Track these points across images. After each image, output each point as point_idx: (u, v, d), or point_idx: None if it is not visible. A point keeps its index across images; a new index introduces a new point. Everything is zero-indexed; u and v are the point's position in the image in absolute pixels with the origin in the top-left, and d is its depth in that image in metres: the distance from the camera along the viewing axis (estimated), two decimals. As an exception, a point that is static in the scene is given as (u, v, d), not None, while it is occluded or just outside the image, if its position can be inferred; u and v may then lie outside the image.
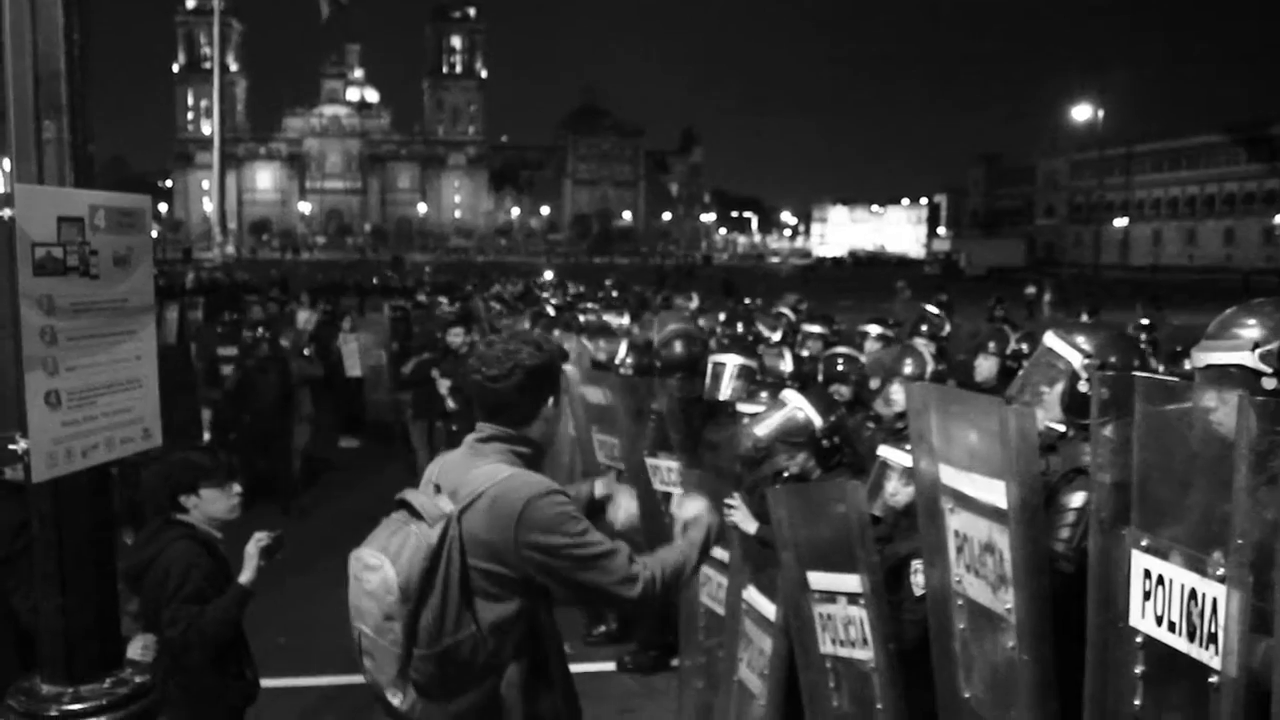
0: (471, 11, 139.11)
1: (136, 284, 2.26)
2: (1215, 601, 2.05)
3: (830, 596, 3.82)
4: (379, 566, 2.51)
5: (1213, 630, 2.06)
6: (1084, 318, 12.58)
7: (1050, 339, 3.32)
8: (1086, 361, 3.17)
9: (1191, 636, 2.12)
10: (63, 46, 2.10)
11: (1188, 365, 5.53)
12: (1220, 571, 2.03)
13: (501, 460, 2.67)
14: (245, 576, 3.68)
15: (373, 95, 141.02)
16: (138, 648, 3.44)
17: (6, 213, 1.95)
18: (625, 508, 3.22)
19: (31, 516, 2.15)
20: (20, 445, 1.97)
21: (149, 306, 2.30)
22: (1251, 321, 2.43)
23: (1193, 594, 2.12)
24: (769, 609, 4.26)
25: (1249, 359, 2.38)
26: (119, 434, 2.22)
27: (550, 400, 2.79)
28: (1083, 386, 3.14)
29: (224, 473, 3.85)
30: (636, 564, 2.66)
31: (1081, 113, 60.48)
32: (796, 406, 4.43)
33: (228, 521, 3.85)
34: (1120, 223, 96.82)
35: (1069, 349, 3.23)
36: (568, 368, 6.92)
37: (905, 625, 3.62)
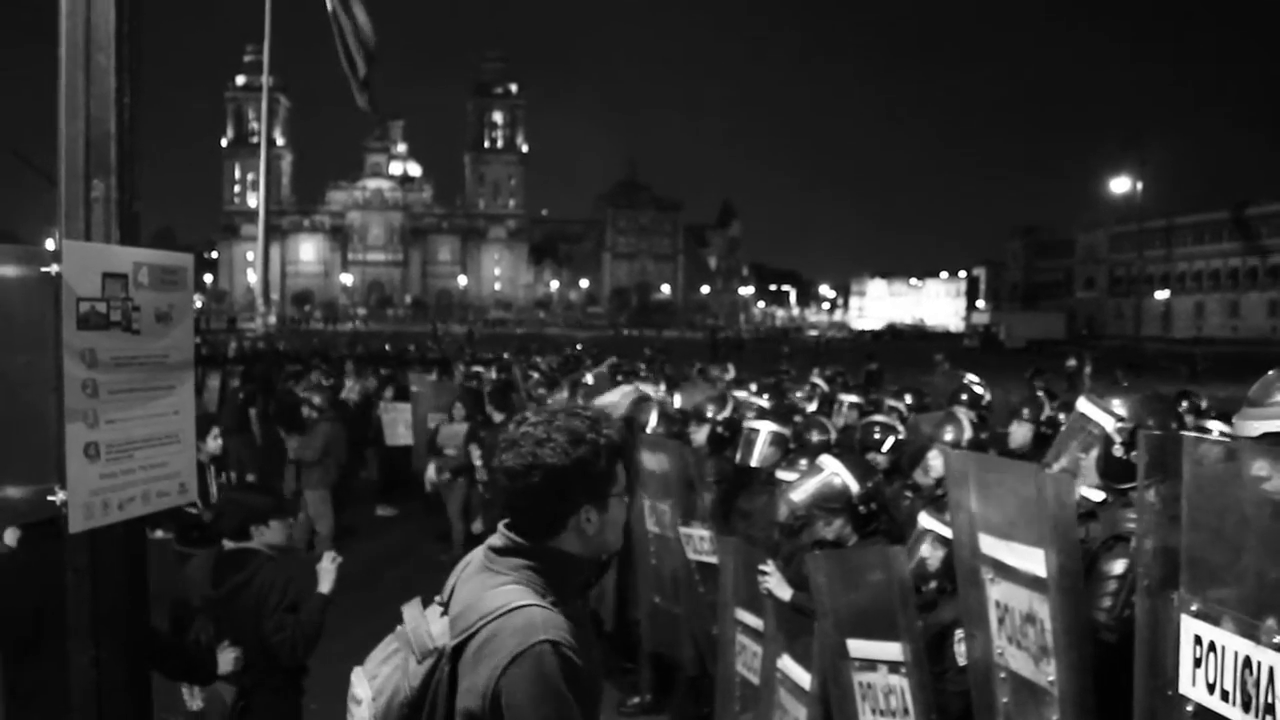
0: (513, 87, 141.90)
1: (177, 340, 2.29)
2: (1272, 670, 1.99)
3: (871, 665, 3.75)
4: (361, 702, 2.20)
5: (1270, 700, 1.99)
6: (1123, 384, 12.43)
7: (1083, 404, 3.28)
8: (1120, 425, 3.12)
9: (1246, 707, 2.05)
10: (114, 110, 2.16)
11: (1211, 425, 5.45)
12: (1276, 639, 1.97)
13: (515, 582, 2.15)
14: (325, 587, 4.40)
15: (415, 169, 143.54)
16: (227, 660, 4.12)
17: (54, 268, 1.98)
18: None
19: (66, 568, 2.16)
20: (59, 496, 1.98)
21: (188, 362, 2.33)
22: (1299, 386, 2.38)
23: (1246, 662, 2.06)
24: (804, 678, 4.19)
25: None
26: (155, 487, 2.24)
27: (588, 508, 2.19)
28: (1117, 451, 3.09)
29: (285, 509, 4.60)
30: None
31: (1120, 185, 60.33)
32: (833, 472, 4.39)
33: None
34: (1162, 295, 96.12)
35: (1102, 414, 3.18)
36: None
37: (948, 697, 3.55)
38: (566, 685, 2.03)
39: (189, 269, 2.34)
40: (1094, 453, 3.17)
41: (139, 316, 2.17)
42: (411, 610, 2.24)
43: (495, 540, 2.24)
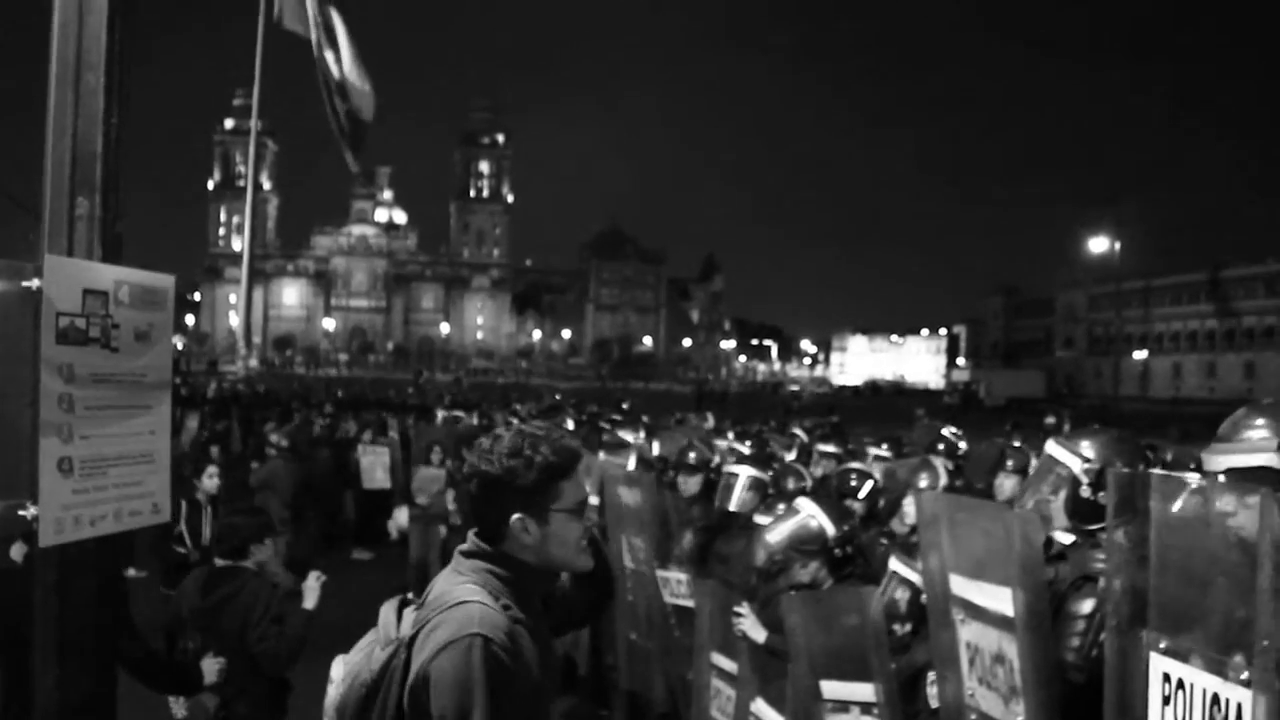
0: (500, 138, 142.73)
1: (155, 360, 2.29)
2: (1240, 707, 1.99)
3: (844, 706, 3.74)
4: (334, 683, 2.35)
5: (1238, 737, 2.00)
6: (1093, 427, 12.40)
7: (1051, 446, 3.29)
8: (1087, 466, 3.13)
9: (1215, 743, 2.06)
10: (101, 129, 2.19)
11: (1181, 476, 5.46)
12: (1244, 675, 1.98)
13: (472, 582, 2.30)
14: (310, 603, 4.65)
15: (400, 216, 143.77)
16: (212, 670, 4.34)
17: (35, 283, 1.99)
18: None
19: (35, 585, 2.14)
20: (30, 511, 1.98)
21: (166, 383, 2.33)
22: (1262, 422, 2.41)
23: (1215, 699, 2.06)
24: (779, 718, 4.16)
25: (1274, 460, 2.35)
26: (128, 506, 2.23)
27: (523, 517, 2.32)
28: (1085, 492, 3.11)
29: (270, 528, 4.92)
30: None
31: (1099, 245, 60.92)
32: (810, 514, 4.40)
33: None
34: (1140, 355, 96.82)
35: (1070, 455, 3.19)
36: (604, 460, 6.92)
37: (920, 738, 3.53)
38: (488, 681, 2.12)
39: (170, 290, 2.35)
40: (1062, 494, 3.18)
41: (118, 334, 2.17)
42: (386, 606, 2.37)
43: (464, 545, 2.40)
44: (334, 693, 2.32)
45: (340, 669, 2.35)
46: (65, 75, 2.14)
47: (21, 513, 1.99)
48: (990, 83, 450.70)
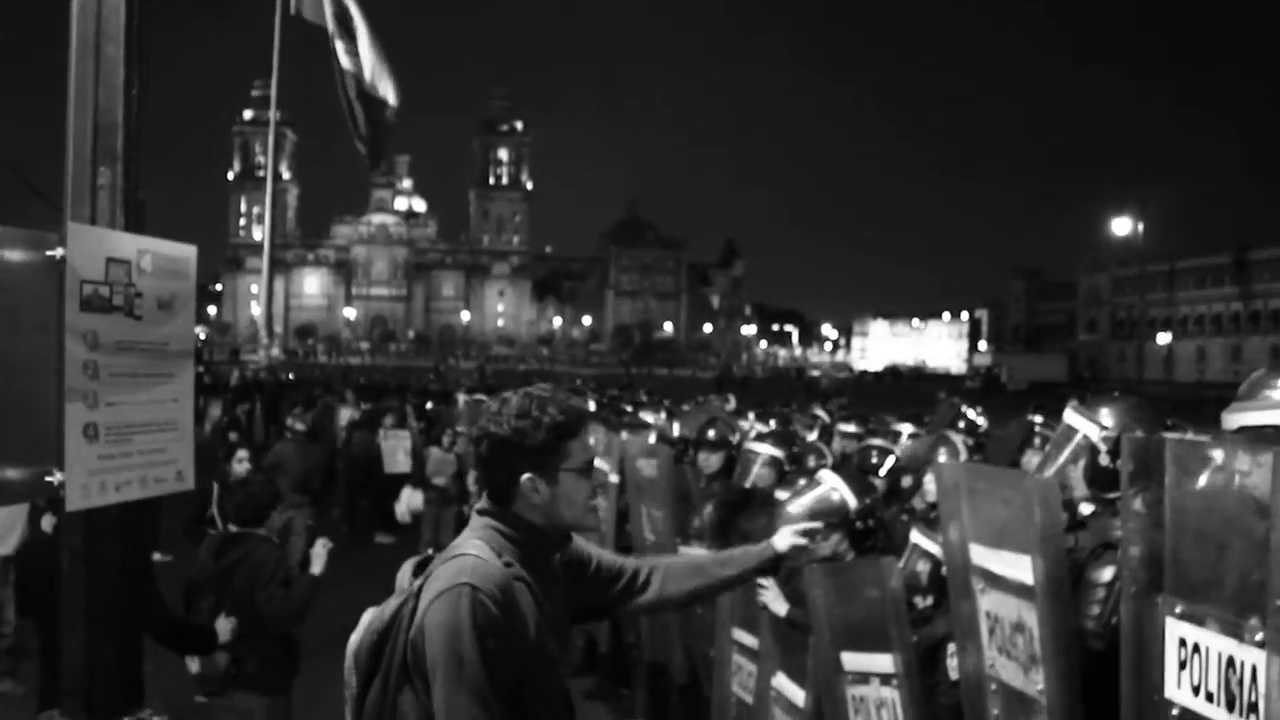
0: (519, 125, 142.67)
1: (178, 329, 2.32)
2: (1255, 669, 1.99)
3: (863, 678, 3.74)
4: (359, 629, 2.40)
5: (1253, 699, 1.99)
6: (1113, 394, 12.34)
7: (1069, 415, 3.26)
8: (1105, 433, 3.11)
9: (1231, 706, 2.05)
10: (122, 100, 2.21)
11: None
12: (1259, 637, 1.98)
13: (477, 537, 2.34)
14: (317, 569, 4.96)
15: (420, 205, 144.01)
16: (225, 629, 4.62)
17: (59, 252, 2.02)
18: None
19: (62, 551, 2.18)
20: (56, 477, 2.01)
21: (189, 352, 2.36)
22: (1281, 382, 2.40)
23: (1230, 662, 2.06)
24: (798, 695, 4.18)
25: None
26: (153, 473, 2.26)
27: (533, 477, 2.35)
28: (1103, 460, 3.09)
29: (281, 498, 5.28)
30: None
31: (1122, 226, 60.36)
32: (832, 486, 4.39)
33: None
34: (1164, 338, 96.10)
35: (1087, 423, 3.17)
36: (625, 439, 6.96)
37: (939, 709, 3.53)
38: (475, 629, 2.14)
39: (192, 259, 2.38)
40: (1081, 463, 3.16)
41: (141, 303, 2.20)
42: (406, 564, 2.44)
43: (478, 504, 2.44)
44: (354, 638, 2.37)
45: (367, 614, 2.40)
46: (85, 47, 2.18)
47: (48, 479, 2.02)
48: (1012, 65, 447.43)
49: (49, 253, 2.03)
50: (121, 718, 2.20)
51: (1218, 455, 2.16)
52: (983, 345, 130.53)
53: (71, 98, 2.17)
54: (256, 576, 4.78)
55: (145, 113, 2.25)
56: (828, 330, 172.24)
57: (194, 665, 4.87)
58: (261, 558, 4.86)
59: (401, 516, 11.75)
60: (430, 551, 2.51)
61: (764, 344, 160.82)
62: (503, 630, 2.19)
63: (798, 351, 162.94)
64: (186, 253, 2.37)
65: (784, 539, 2.95)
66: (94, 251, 2.11)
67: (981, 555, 3.04)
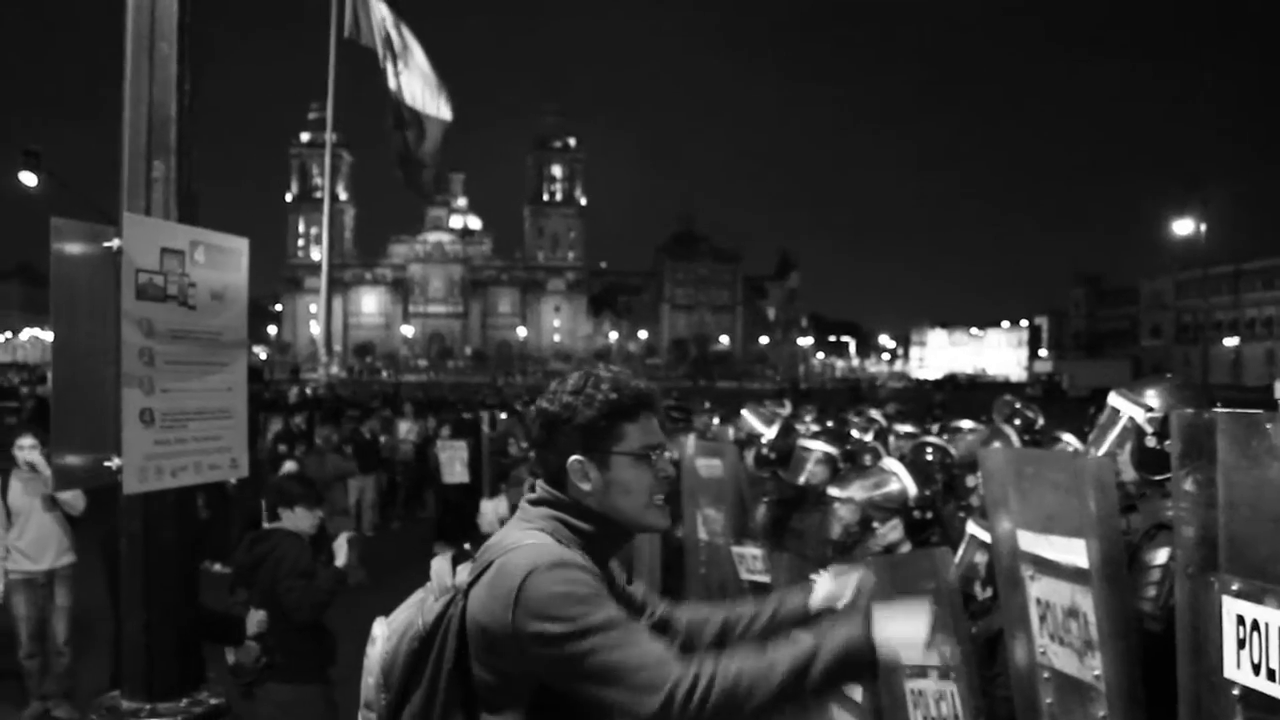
0: (572, 141, 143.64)
1: (231, 320, 2.38)
2: (1317, 643, 1.96)
3: (922, 671, 3.70)
4: (376, 641, 2.18)
5: (1317, 673, 1.96)
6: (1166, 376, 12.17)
7: (1114, 398, 3.21)
8: (1151, 415, 3.07)
9: (1294, 682, 2.02)
10: (175, 95, 2.29)
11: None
12: (1317, 610, 1.94)
13: (539, 529, 2.11)
14: (340, 561, 5.06)
15: (475, 222, 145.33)
16: (254, 621, 4.76)
17: (115, 243, 2.09)
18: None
19: (120, 534, 2.24)
20: (114, 462, 2.07)
21: (242, 342, 2.42)
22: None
23: (1291, 637, 2.03)
24: (855, 690, 4.15)
25: None
26: (208, 460, 2.32)
27: (582, 459, 2.13)
28: (1150, 442, 3.04)
29: (313, 499, 5.25)
30: (670, 666, 1.90)
31: (1184, 227, 59.26)
32: (893, 472, 4.38)
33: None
34: (1230, 342, 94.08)
35: (1133, 406, 3.12)
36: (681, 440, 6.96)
37: (998, 702, 3.50)
38: (585, 589, 1.96)
39: (244, 252, 2.45)
40: (1128, 446, 3.12)
41: (195, 293, 2.27)
42: (439, 559, 2.21)
43: (532, 494, 2.22)
44: (376, 650, 2.16)
45: (382, 627, 2.19)
46: (140, 44, 2.26)
47: (107, 464, 2.08)
48: (1069, 68, 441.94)
49: (106, 244, 2.10)
50: (180, 699, 2.25)
51: (1270, 429, 2.12)
52: (1043, 352, 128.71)
53: (127, 93, 2.25)
54: (278, 569, 4.94)
55: (198, 109, 2.33)
56: (885, 340, 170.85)
57: (230, 656, 5.00)
58: (284, 551, 5.01)
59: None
60: (466, 547, 2.31)
61: (821, 355, 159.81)
62: (604, 596, 2.00)
63: (855, 362, 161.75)
64: (238, 245, 2.43)
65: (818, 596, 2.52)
66: (149, 241, 2.17)
67: (1030, 541, 3.01)
